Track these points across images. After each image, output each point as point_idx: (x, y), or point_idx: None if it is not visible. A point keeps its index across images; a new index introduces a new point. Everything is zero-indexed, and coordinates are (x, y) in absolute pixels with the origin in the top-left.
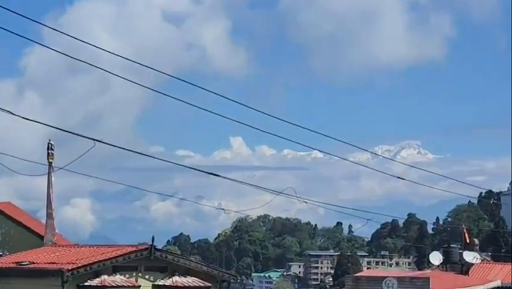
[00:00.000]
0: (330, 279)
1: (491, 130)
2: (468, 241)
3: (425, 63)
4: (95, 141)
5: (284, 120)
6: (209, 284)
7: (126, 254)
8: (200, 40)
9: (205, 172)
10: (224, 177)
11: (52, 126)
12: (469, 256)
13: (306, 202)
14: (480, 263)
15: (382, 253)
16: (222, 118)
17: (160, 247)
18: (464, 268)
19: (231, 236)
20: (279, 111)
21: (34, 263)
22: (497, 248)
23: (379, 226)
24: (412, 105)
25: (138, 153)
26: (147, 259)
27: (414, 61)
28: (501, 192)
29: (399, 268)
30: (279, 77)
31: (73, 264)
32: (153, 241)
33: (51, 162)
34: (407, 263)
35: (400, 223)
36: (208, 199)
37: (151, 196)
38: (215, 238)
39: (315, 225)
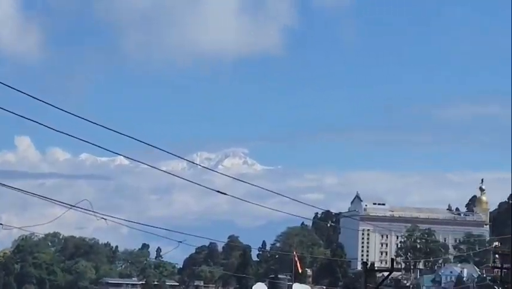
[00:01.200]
0: None
1: (335, 136)
2: (300, 270)
3: (260, 55)
4: None
5: (82, 118)
6: None
7: None
8: None
9: None
10: (6, 186)
11: None
12: None
13: (105, 219)
14: None
15: (196, 283)
16: (5, 113)
17: None
18: None
19: (12, 258)
20: (77, 107)
21: None
22: (334, 281)
23: (194, 251)
24: (241, 104)
25: None
26: None
27: (246, 51)
28: (340, 213)
29: None
30: (80, 65)
31: None
32: None
33: None
34: None
35: (220, 247)
36: None
37: None
38: None
39: (116, 247)
